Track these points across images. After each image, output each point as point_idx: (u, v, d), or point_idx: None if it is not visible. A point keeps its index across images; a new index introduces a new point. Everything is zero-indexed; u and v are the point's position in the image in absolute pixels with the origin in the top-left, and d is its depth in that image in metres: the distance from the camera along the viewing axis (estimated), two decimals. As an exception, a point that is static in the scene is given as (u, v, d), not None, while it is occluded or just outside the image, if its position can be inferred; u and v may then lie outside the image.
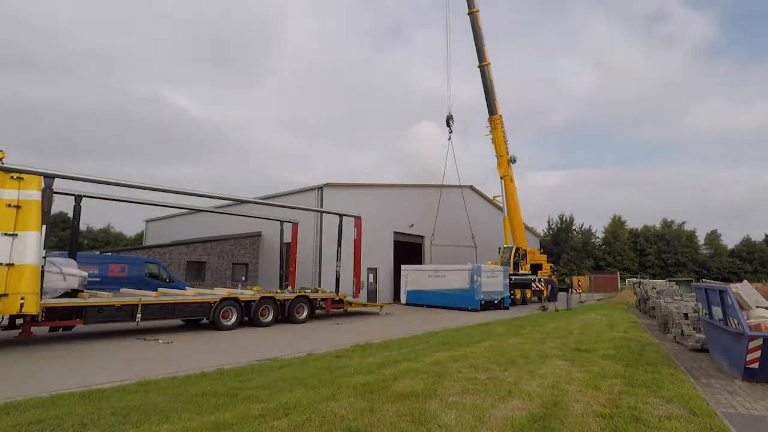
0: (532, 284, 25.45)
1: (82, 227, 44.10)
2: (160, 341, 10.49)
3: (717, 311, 7.91)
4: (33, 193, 9.37)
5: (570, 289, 25.86)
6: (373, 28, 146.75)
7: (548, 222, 65.30)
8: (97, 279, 15.42)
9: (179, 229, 32.76)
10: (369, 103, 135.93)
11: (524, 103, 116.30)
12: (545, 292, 26.72)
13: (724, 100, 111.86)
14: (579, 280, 30.13)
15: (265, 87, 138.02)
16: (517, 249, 26.23)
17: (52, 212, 10.26)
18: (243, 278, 24.79)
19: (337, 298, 16.70)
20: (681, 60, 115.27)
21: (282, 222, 18.88)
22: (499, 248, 27.15)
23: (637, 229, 64.36)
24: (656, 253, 60.17)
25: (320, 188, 22.55)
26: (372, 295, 24.01)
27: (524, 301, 25.08)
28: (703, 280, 44.06)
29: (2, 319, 9.82)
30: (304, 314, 15.04)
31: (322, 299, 16.08)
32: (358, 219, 18.30)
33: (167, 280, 17.76)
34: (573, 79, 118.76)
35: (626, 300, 27.72)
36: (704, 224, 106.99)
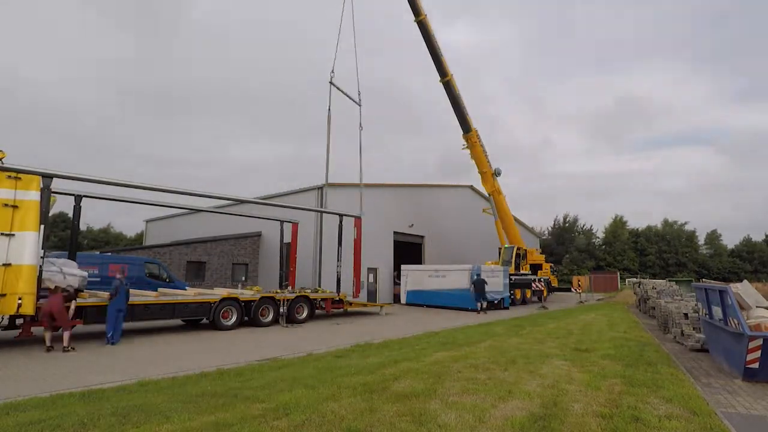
0: (532, 284, 25.48)
1: (82, 227, 44.09)
2: None
3: (717, 311, 7.91)
4: (31, 193, 9.35)
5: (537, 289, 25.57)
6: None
7: (554, 221, 65.37)
8: (97, 279, 15.43)
9: (179, 229, 32.77)
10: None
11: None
12: (545, 292, 26.75)
13: None
14: (579, 280, 30.08)
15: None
16: (518, 249, 26.23)
17: (53, 212, 10.25)
18: (243, 278, 24.79)
19: (337, 298, 16.72)
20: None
21: (282, 222, 18.88)
22: (499, 248, 27.14)
23: (637, 229, 64.33)
24: (657, 253, 60.13)
25: (320, 188, 22.55)
26: (372, 295, 24.02)
27: (524, 301, 25.08)
28: (703, 280, 44.06)
29: (2, 319, 9.82)
30: (304, 314, 15.05)
31: (322, 299, 16.08)
32: (358, 219, 18.31)
33: (167, 280, 17.76)
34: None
35: (626, 300, 27.73)
36: None
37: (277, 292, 14.71)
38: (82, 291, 10.89)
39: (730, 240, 72.34)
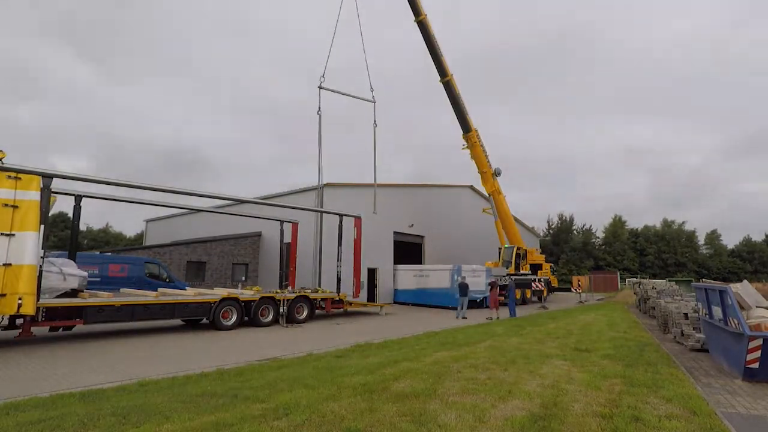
0: (532, 284, 25.47)
1: (82, 227, 44.08)
2: None
3: (717, 311, 7.91)
4: (31, 194, 9.32)
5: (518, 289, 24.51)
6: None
7: (548, 222, 65.35)
8: (97, 279, 15.44)
9: (179, 229, 32.77)
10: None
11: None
12: (545, 292, 26.74)
13: None
14: (579, 281, 30.08)
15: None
16: (518, 249, 26.22)
17: (53, 212, 10.25)
18: (243, 278, 24.80)
19: (337, 298, 16.72)
20: None
21: (282, 222, 18.89)
22: (499, 248, 27.13)
23: (637, 229, 64.35)
24: (656, 253, 60.14)
25: (320, 188, 22.54)
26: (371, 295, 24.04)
27: (524, 301, 25.08)
28: (703, 280, 44.04)
29: (2, 319, 9.81)
30: (304, 314, 15.05)
31: (322, 299, 16.09)
32: (358, 219, 18.31)
33: (167, 280, 17.77)
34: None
35: (626, 300, 27.74)
36: None
37: (277, 292, 14.71)
38: (83, 291, 10.90)
39: (730, 240, 72.41)
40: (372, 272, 24.40)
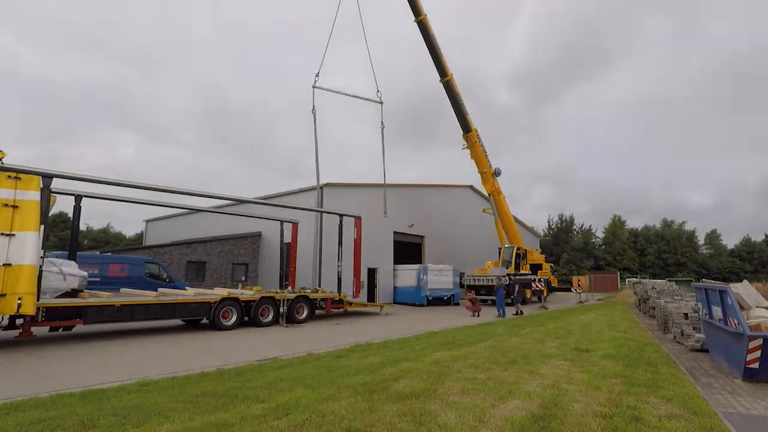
0: (532, 284, 25.48)
1: (82, 227, 44.09)
2: None
3: (717, 311, 7.91)
4: (31, 193, 9.31)
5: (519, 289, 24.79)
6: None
7: (548, 222, 65.37)
8: (97, 279, 15.44)
9: (179, 229, 32.78)
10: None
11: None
12: (545, 292, 26.75)
13: None
14: (579, 280, 30.10)
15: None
16: (518, 249, 26.23)
17: (53, 212, 10.24)
18: (243, 278, 24.81)
19: (338, 298, 16.70)
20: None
21: (282, 222, 18.89)
22: (499, 248, 27.14)
23: (637, 229, 64.40)
24: (656, 253, 60.16)
25: (320, 188, 22.53)
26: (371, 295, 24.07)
27: (524, 301, 25.07)
28: (703, 280, 44.03)
29: (2, 319, 9.80)
30: (304, 314, 15.00)
31: (322, 299, 16.06)
32: (358, 219, 18.31)
33: (167, 280, 17.77)
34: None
35: (626, 300, 27.75)
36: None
37: (277, 292, 14.67)
38: (83, 291, 10.89)
39: (730, 240, 72.39)
40: (372, 272, 24.42)
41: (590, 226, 64.58)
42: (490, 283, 23.72)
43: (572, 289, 29.99)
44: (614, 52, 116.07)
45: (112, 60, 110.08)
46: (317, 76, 18.93)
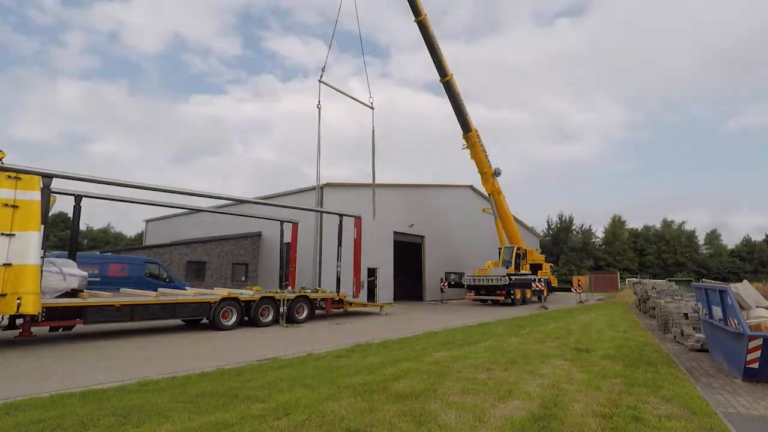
0: (532, 284, 25.48)
1: (82, 227, 44.09)
2: None
3: (717, 311, 7.91)
4: (32, 193, 9.31)
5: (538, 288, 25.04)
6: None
7: (548, 222, 65.37)
8: (97, 279, 15.43)
9: (179, 229, 32.79)
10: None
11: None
12: (545, 292, 26.76)
13: None
14: (579, 280, 30.10)
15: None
16: (518, 249, 26.23)
17: (53, 212, 10.24)
18: (243, 278, 24.81)
19: (337, 298, 16.72)
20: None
21: (282, 222, 18.89)
22: (499, 248, 27.14)
23: (637, 229, 64.40)
24: (656, 253, 60.17)
25: (320, 188, 22.54)
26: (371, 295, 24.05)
27: (524, 301, 25.11)
28: (703, 280, 44.00)
29: (2, 319, 9.79)
30: (304, 314, 15.01)
31: (322, 299, 16.07)
32: (358, 219, 18.32)
33: (167, 280, 17.77)
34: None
35: (626, 300, 27.74)
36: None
37: (277, 292, 14.65)
38: (83, 291, 10.89)
39: (730, 240, 72.38)
40: (372, 272, 24.41)
41: (590, 226, 64.66)
42: (490, 283, 23.74)
43: (572, 289, 30.00)
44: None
45: None
46: (323, 70, 18.82)
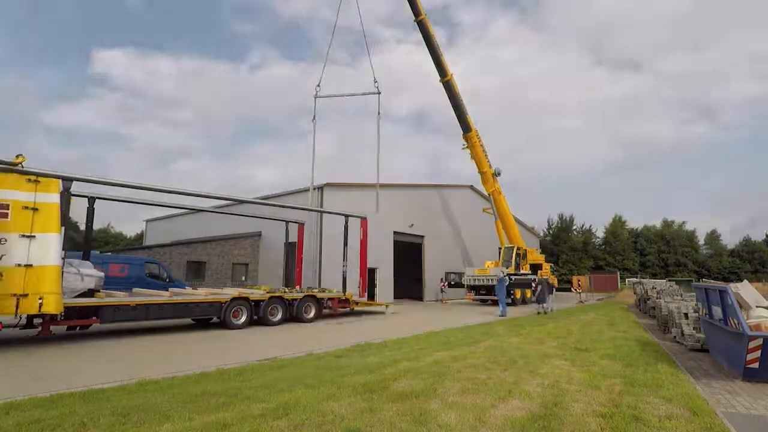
0: (532, 284, 25.46)
1: (82, 227, 43.99)
2: None
3: (717, 311, 7.91)
4: (51, 196, 9.54)
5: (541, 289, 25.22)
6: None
7: (548, 222, 65.33)
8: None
9: (179, 229, 32.79)
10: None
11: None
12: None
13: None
14: (579, 280, 30.11)
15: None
16: (518, 249, 26.22)
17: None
18: (243, 278, 24.81)
19: (344, 298, 16.88)
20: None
21: (287, 222, 18.95)
22: (499, 248, 27.14)
23: (637, 229, 64.33)
24: (656, 253, 60.14)
25: (320, 188, 22.55)
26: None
27: (524, 301, 25.09)
28: (703, 280, 44.07)
29: (20, 318, 9.83)
30: (312, 313, 15.26)
31: (329, 298, 16.27)
32: (364, 220, 18.38)
33: (167, 280, 17.78)
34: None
35: (626, 300, 27.73)
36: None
37: (285, 292, 14.85)
38: (99, 291, 11.10)
39: (730, 240, 72.34)
40: (372, 272, 24.42)
41: (590, 225, 64.59)
42: (490, 283, 23.73)
43: (572, 289, 30.00)
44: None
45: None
46: (318, 86, 18.83)
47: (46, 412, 4.81)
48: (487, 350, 9.05)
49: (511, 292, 24.09)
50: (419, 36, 22.88)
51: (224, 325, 12.86)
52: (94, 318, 10.54)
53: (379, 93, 20.40)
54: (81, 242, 15.31)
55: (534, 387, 6.05)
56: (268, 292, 14.35)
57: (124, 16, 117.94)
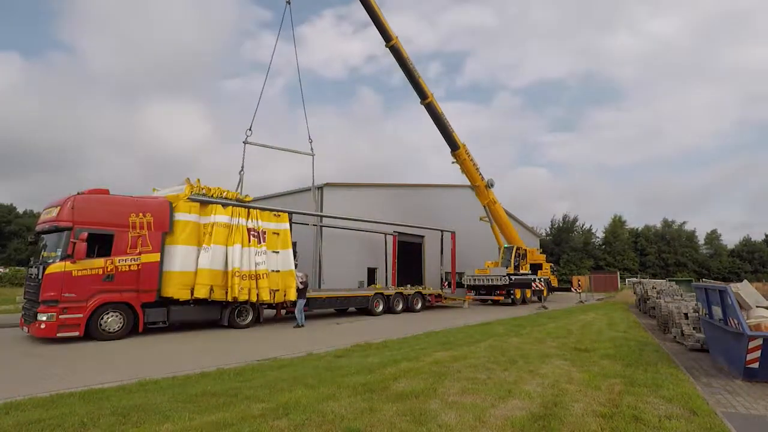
0: (532, 284, 25.45)
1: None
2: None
3: (717, 311, 7.90)
4: (285, 225, 14.58)
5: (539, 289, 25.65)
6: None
7: (551, 222, 65.30)
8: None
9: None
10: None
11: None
12: (545, 292, 26.73)
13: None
14: (579, 280, 30.08)
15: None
16: (518, 249, 26.19)
17: None
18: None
19: (438, 293, 21.60)
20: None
21: (385, 235, 22.25)
22: (499, 248, 27.11)
23: (637, 229, 64.34)
24: (656, 253, 60.13)
25: (320, 188, 22.52)
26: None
27: (524, 301, 25.08)
28: (703, 280, 44.06)
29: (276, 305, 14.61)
30: (419, 305, 19.82)
31: (429, 294, 20.91)
32: (453, 233, 24.16)
33: None
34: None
35: (626, 300, 27.71)
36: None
37: (404, 289, 19.59)
38: (307, 287, 14.76)
39: (730, 240, 72.26)
40: (372, 272, 24.40)
41: (591, 226, 64.58)
42: (490, 283, 23.72)
43: (572, 289, 29.96)
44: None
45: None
46: (249, 131, 17.26)
47: (46, 412, 4.81)
48: (487, 350, 9.05)
49: (512, 292, 24.07)
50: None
51: (369, 313, 17.33)
52: (306, 307, 14.45)
53: (313, 155, 19.48)
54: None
55: (534, 387, 6.05)
56: (394, 288, 19.45)
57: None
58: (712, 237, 64.14)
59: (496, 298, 23.97)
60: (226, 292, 12.47)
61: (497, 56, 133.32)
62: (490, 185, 25.82)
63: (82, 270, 10.37)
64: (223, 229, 12.72)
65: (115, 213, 11.17)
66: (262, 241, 13.49)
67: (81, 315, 10.22)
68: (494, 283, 23.58)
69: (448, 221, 30.12)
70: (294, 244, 17.57)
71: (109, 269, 10.76)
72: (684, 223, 64.12)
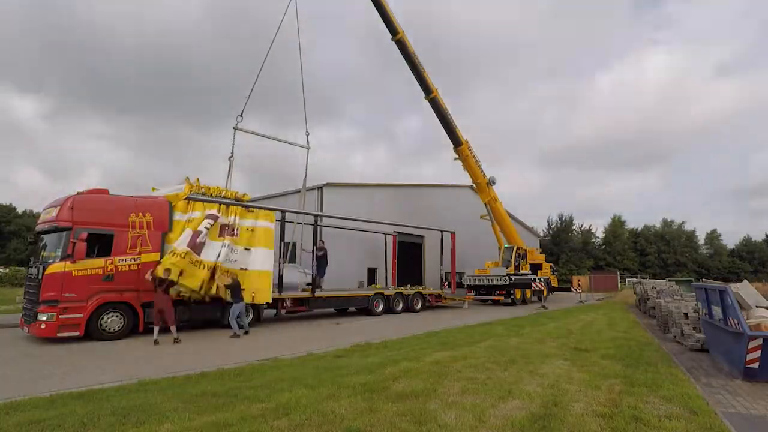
0: (532, 284, 25.44)
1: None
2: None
3: (717, 311, 7.91)
4: (265, 222, 13.55)
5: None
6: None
7: (548, 222, 65.34)
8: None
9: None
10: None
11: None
12: (545, 292, 26.71)
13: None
14: (579, 280, 30.06)
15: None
16: (518, 249, 26.19)
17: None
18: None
19: (438, 294, 21.65)
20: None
21: (385, 235, 21.65)
22: (500, 247, 27.10)
23: (637, 229, 64.39)
24: (656, 253, 60.16)
25: (320, 188, 22.52)
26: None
27: (524, 301, 25.08)
28: (703, 279, 44.04)
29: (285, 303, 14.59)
30: (419, 305, 19.75)
31: (429, 294, 20.94)
32: (453, 234, 23.44)
33: None
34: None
35: (626, 300, 27.71)
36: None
37: (404, 289, 19.45)
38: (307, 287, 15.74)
39: (730, 240, 72.31)
40: (372, 272, 24.40)
41: (590, 226, 64.64)
42: (490, 283, 23.73)
43: (572, 289, 29.95)
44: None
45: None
46: (240, 116, 16.69)
47: (46, 412, 4.82)
48: (487, 350, 9.04)
49: (512, 292, 24.05)
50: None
51: (369, 312, 17.21)
52: (303, 306, 15.08)
53: (308, 148, 19.19)
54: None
55: (534, 387, 6.05)
56: (394, 288, 19.36)
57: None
58: (712, 237, 64.20)
59: (496, 298, 23.95)
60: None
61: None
62: (491, 183, 25.83)
63: (82, 270, 10.37)
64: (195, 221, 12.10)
65: (114, 213, 11.17)
66: (226, 234, 12.46)
67: (81, 315, 10.22)
68: (494, 283, 23.58)
69: (448, 221, 30.12)
70: (294, 245, 17.70)
71: (109, 269, 10.77)
72: (684, 223, 64.25)
